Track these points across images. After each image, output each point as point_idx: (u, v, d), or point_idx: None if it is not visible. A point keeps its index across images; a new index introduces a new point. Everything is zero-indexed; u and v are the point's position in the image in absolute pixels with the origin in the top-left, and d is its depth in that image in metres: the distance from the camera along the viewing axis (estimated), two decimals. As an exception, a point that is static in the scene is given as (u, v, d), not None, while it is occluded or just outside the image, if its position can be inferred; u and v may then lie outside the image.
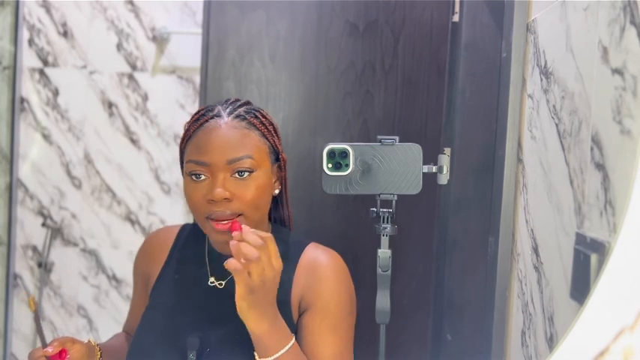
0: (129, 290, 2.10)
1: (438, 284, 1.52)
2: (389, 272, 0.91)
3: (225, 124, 0.88)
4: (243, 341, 0.83)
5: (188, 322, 0.91)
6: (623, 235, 0.54)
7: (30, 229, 2.10)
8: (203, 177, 0.87)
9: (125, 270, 2.10)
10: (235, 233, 0.77)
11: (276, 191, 0.97)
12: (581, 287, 0.78)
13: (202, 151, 0.87)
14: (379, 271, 0.90)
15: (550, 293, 0.96)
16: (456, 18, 1.49)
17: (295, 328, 0.92)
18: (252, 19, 1.55)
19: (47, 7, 2.05)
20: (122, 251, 2.10)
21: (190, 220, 1.92)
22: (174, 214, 2.08)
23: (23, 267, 2.11)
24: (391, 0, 1.53)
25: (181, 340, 0.88)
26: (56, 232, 2.09)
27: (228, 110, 0.91)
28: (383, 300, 0.90)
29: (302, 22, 1.55)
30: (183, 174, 0.92)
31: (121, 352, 1.00)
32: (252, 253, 0.74)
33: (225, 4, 1.55)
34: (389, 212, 0.92)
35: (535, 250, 1.06)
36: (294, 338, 0.84)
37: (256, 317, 0.78)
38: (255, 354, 0.82)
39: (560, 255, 0.91)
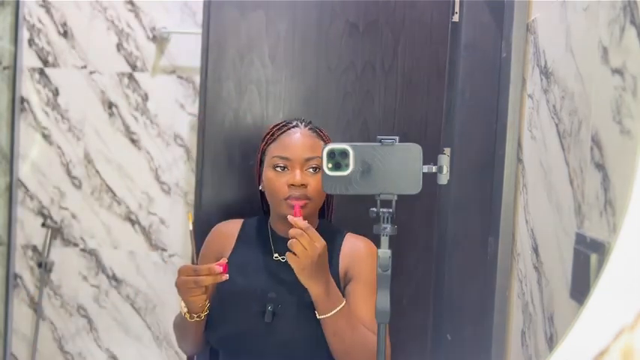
0: (129, 290, 2.10)
1: (438, 284, 1.52)
2: (389, 272, 0.91)
3: (302, 131, 1.20)
4: (303, 302, 1.10)
5: (261, 286, 1.16)
6: (623, 235, 0.54)
7: (30, 229, 2.10)
8: (285, 168, 1.15)
9: (125, 270, 2.10)
10: (290, 217, 1.04)
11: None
12: (581, 287, 0.78)
13: (286, 149, 1.16)
14: (379, 271, 0.90)
15: (550, 293, 0.96)
16: (456, 18, 1.49)
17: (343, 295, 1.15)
18: (252, 19, 1.55)
19: (47, 7, 2.05)
20: (122, 251, 2.10)
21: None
22: (175, 214, 2.08)
23: (23, 267, 2.11)
24: (391, 0, 1.53)
25: (257, 299, 1.14)
26: (56, 232, 2.09)
27: (303, 124, 1.22)
28: (383, 300, 0.90)
29: (302, 22, 1.54)
30: (260, 169, 1.21)
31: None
32: (298, 230, 1.02)
33: (225, 4, 1.55)
34: (389, 212, 0.92)
35: (535, 250, 1.06)
36: (344, 301, 1.09)
37: (313, 284, 1.04)
38: (316, 312, 1.08)
39: (560, 255, 0.91)
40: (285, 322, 1.12)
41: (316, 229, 1.16)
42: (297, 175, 1.13)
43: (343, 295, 1.14)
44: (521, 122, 1.19)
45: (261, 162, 1.22)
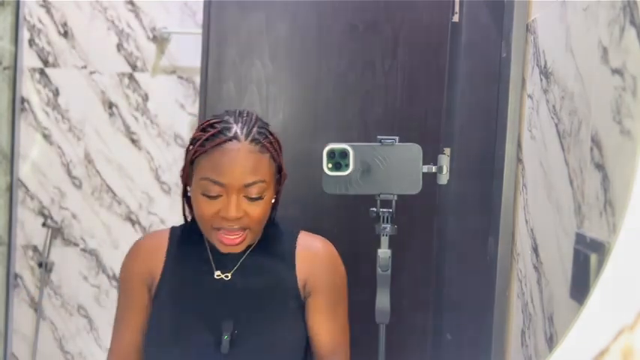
0: (129, 290, 2.10)
1: (438, 284, 1.52)
2: (389, 272, 0.91)
3: (242, 147, 0.93)
4: (262, 326, 0.96)
5: (211, 311, 0.98)
6: (622, 235, 0.54)
7: (30, 229, 2.10)
8: (218, 195, 0.93)
9: (125, 270, 2.10)
10: None
11: (273, 200, 1.02)
12: (580, 287, 0.78)
13: (220, 172, 0.92)
14: (379, 271, 0.91)
15: (550, 293, 0.96)
16: (456, 18, 1.49)
17: (303, 308, 1.02)
18: (252, 19, 1.55)
19: (47, 7, 2.05)
20: (122, 251, 2.08)
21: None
22: (175, 214, 2.08)
23: (23, 267, 2.11)
24: (391, 0, 1.53)
25: (209, 327, 0.96)
26: (56, 232, 2.09)
27: (244, 132, 0.94)
28: (383, 300, 0.90)
29: (302, 22, 1.54)
30: (189, 182, 0.97)
31: None
32: None
33: (225, 4, 1.55)
34: (389, 212, 0.92)
35: (535, 250, 1.06)
36: None
37: None
38: None
39: (560, 255, 0.91)
40: (244, 352, 0.95)
41: (261, 240, 1.04)
42: (232, 210, 0.91)
43: (303, 307, 1.01)
44: (521, 122, 1.19)
45: (190, 171, 0.97)
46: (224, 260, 1.00)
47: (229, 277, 1.00)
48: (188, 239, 1.04)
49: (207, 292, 1.00)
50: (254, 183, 0.92)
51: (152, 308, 1.02)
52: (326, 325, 1.02)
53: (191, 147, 0.96)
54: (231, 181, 0.91)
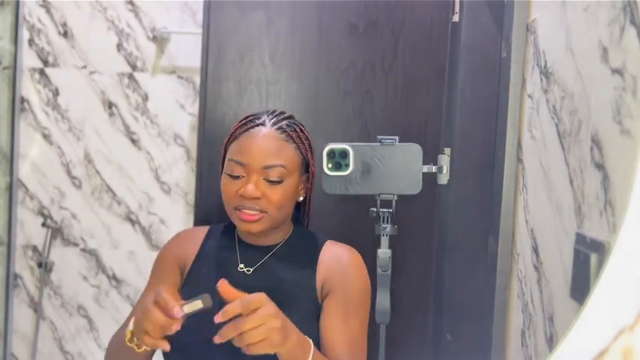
0: (129, 290, 2.10)
1: (438, 284, 1.52)
2: (389, 272, 0.91)
3: (267, 132, 1.01)
4: None
5: (221, 302, 0.97)
6: (622, 235, 0.54)
7: (30, 229, 2.10)
8: (240, 176, 1.00)
9: (125, 270, 2.10)
10: (219, 284, 0.83)
11: (301, 198, 1.08)
12: (581, 287, 0.78)
13: (243, 153, 0.99)
14: (379, 271, 0.91)
15: (550, 293, 0.96)
16: (456, 18, 1.49)
17: (320, 311, 1.03)
18: (252, 19, 1.55)
19: (47, 7, 2.05)
20: (122, 251, 2.10)
21: (191, 222, 1.92)
22: (175, 214, 2.08)
23: (23, 267, 2.11)
24: (391, 0, 1.53)
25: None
26: (56, 232, 2.09)
27: (272, 121, 1.02)
28: (383, 300, 0.90)
29: (302, 22, 1.54)
30: (221, 170, 1.05)
31: None
32: (233, 309, 0.81)
33: (225, 4, 1.55)
34: (389, 212, 0.92)
35: (535, 250, 1.06)
36: (311, 350, 0.90)
37: (284, 344, 0.84)
38: None
39: (560, 255, 0.91)
40: None
41: (289, 237, 1.09)
42: (250, 187, 0.97)
43: (320, 310, 1.02)
44: (521, 122, 1.19)
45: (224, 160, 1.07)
46: (249, 256, 1.05)
47: (250, 272, 1.04)
48: (222, 236, 1.11)
49: (230, 282, 1.01)
50: (273, 166, 0.98)
51: (180, 293, 1.03)
52: (338, 330, 0.99)
53: (226, 141, 1.05)
54: (251, 161, 0.98)
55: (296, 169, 1.02)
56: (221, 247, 1.09)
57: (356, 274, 1.05)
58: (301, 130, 1.05)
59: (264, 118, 1.03)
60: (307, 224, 1.16)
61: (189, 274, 1.08)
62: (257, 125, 1.01)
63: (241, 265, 1.06)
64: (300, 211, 1.14)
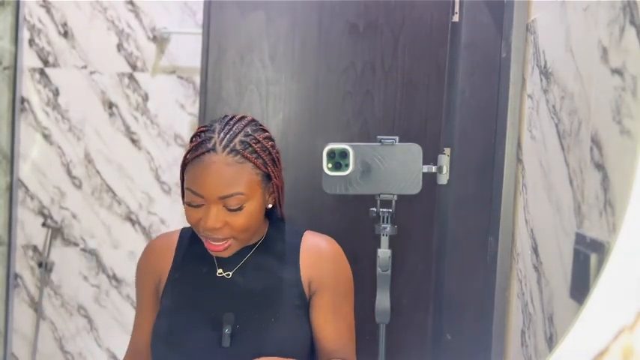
0: (129, 290, 2.10)
1: (438, 284, 1.52)
2: (389, 272, 0.91)
3: (218, 159, 0.93)
4: (262, 320, 0.96)
5: (213, 307, 1.00)
6: (622, 235, 0.54)
7: (30, 229, 2.10)
8: (199, 204, 0.94)
9: (125, 270, 2.10)
10: None
11: (269, 206, 1.02)
12: (580, 287, 0.78)
13: (197, 184, 0.93)
14: (379, 271, 0.91)
15: (550, 293, 0.96)
16: (456, 18, 1.49)
17: (308, 307, 1.02)
18: (252, 19, 1.55)
19: (47, 7, 2.05)
20: (122, 251, 2.10)
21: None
22: (174, 214, 2.08)
23: (23, 267, 2.11)
24: (391, 0, 1.53)
25: (211, 321, 0.98)
26: (56, 232, 2.09)
27: (223, 143, 0.94)
28: (383, 300, 0.90)
29: (302, 22, 1.55)
30: (182, 191, 0.99)
31: None
32: None
33: (225, 4, 1.55)
34: (389, 212, 0.92)
35: (535, 250, 1.06)
36: None
37: None
38: None
39: (560, 255, 0.91)
40: (245, 345, 0.96)
41: (266, 235, 1.05)
42: (210, 221, 0.93)
43: (308, 307, 1.02)
44: (521, 122, 1.19)
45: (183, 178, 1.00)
46: (227, 259, 1.01)
47: (230, 276, 1.01)
48: (196, 239, 1.05)
49: (209, 290, 1.02)
50: (230, 195, 0.92)
51: (159, 306, 1.04)
52: (331, 324, 1.01)
53: (182, 163, 0.99)
54: (207, 193, 0.92)
55: (257, 189, 0.96)
56: (196, 254, 1.05)
57: (341, 266, 1.04)
58: (257, 143, 0.97)
59: (214, 140, 0.94)
60: (282, 214, 1.09)
61: (165, 287, 1.05)
62: (208, 151, 0.93)
63: (220, 270, 1.03)
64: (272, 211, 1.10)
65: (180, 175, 1.00)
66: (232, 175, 0.93)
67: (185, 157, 0.97)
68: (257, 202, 0.97)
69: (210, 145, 0.93)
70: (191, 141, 0.98)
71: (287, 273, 1.02)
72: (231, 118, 0.99)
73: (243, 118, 1.00)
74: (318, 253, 1.03)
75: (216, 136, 0.95)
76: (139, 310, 1.11)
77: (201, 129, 0.98)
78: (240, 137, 0.95)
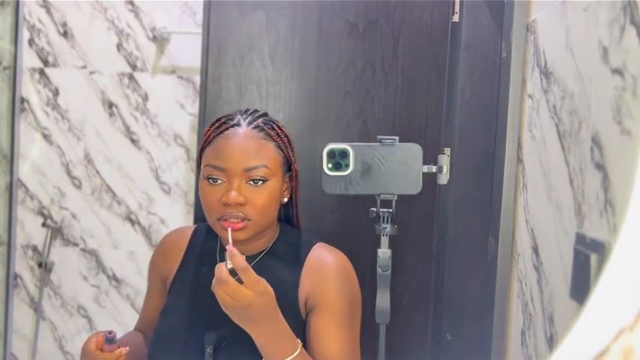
0: (129, 290, 2.10)
1: (438, 284, 1.52)
2: (389, 272, 0.91)
3: (243, 132, 0.94)
4: (245, 336, 0.90)
5: (205, 318, 0.97)
6: (623, 235, 0.54)
7: (30, 229, 2.10)
8: (219, 181, 0.93)
9: (125, 270, 2.10)
10: (228, 248, 0.85)
11: (285, 199, 1.03)
12: (581, 287, 0.78)
13: (221, 157, 0.93)
14: (379, 271, 0.90)
15: (550, 293, 0.96)
16: (456, 18, 1.49)
17: (303, 326, 0.98)
18: (252, 19, 1.55)
19: (47, 7, 2.05)
20: (122, 251, 2.10)
21: (191, 222, 1.92)
22: (175, 214, 2.08)
23: (23, 267, 2.11)
24: (391, 0, 1.53)
25: (200, 335, 0.96)
26: (56, 232, 2.09)
27: (247, 120, 0.96)
28: (383, 300, 0.90)
29: (302, 22, 1.55)
30: (199, 177, 0.98)
31: (138, 351, 1.06)
32: (221, 274, 0.83)
33: (225, 4, 1.55)
34: (389, 212, 0.92)
35: (535, 250, 1.06)
36: (299, 347, 0.89)
37: (251, 330, 0.86)
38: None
39: (560, 255, 0.91)
40: (232, 356, 0.95)
41: (274, 243, 1.03)
42: (232, 193, 0.91)
43: (303, 324, 0.97)
44: (521, 122, 1.19)
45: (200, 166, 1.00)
46: None
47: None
48: (207, 239, 1.06)
49: (210, 293, 1.00)
50: (255, 167, 0.92)
51: (165, 301, 1.06)
52: (326, 346, 0.95)
53: (200, 146, 1.00)
54: (231, 165, 0.92)
55: (278, 169, 0.96)
56: (205, 255, 1.04)
57: (344, 285, 0.99)
58: (279, 128, 0.99)
59: (239, 117, 0.96)
60: (298, 225, 1.10)
61: (172, 283, 1.05)
62: (232, 126, 0.94)
63: None
64: (287, 210, 1.09)
65: (197, 157, 1.00)
66: (257, 147, 0.94)
67: (205, 138, 0.97)
68: (277, 184, 0.97)
69: (234, 121, 0.96)
70: (210, 127, 0.98)
71: (286, 289, 0.97)
72: (250, 109, 1.02)
73: (259, 109, 1.03)
74: (320, 269, 0.99)
75: (238, 116, 0.98)
76: (147, 293, 1.16)
77: (220, 117, 1.00)
78: (262, 119, 0.98)
